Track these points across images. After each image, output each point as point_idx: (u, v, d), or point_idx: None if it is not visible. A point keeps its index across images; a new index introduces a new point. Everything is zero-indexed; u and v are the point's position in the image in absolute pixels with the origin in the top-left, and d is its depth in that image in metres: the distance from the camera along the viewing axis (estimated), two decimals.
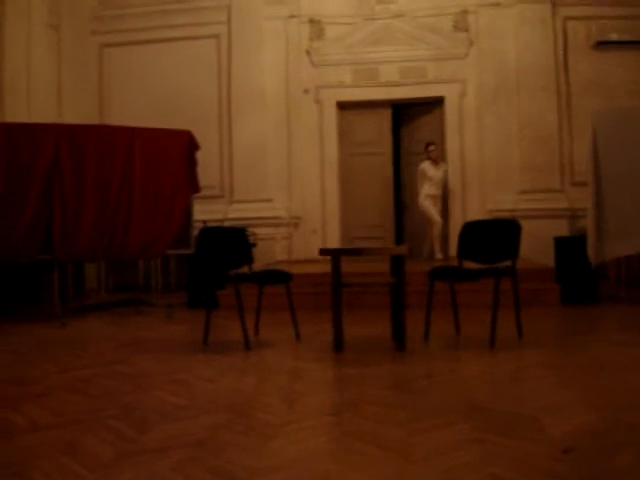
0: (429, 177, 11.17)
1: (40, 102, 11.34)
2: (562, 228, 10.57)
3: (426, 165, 11.23)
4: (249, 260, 6.74)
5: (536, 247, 9.56)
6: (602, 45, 11.11)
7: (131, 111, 11.60)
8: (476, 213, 11.15)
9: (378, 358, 5.49)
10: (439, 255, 11.02)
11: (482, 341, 5.86)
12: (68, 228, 8.33)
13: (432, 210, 11.22)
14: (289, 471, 2.89)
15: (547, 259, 9.32)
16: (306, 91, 12.24)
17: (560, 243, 8.99)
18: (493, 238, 6.11)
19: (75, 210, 8.41)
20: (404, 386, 4.57)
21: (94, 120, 11.72)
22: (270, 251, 11.42)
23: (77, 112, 11.84)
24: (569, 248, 8.81)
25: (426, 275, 6.36)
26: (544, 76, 11.21)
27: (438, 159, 11.37)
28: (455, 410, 3.77)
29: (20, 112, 10.68)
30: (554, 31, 11.24)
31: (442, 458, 2.97)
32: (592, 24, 11.22)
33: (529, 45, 11.25)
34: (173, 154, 9.16)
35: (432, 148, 11.24)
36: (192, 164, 9.33)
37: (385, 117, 12.32)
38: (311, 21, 12.18)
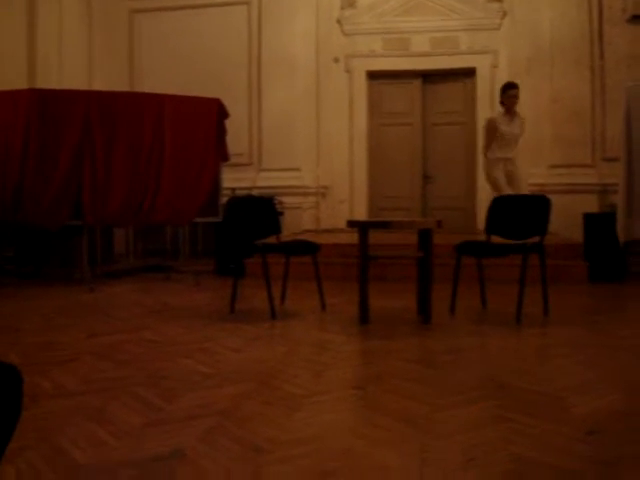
0: (500, 133, 8.51)
1: (71, 69, 11.38)
2: (592, 204, 10.46)
3: (498, 117, 8.67)
4: (277, 230, 6.77)
5: (565, 222, 9.49)
6: (638, 19, 10.90)
7: (161, 78, 11.60)
8: None
9: (403, 331, 5.51)
10: None
11: (508, 317, 5.86)
12: (98, 194, 8.39)
13: (503, 185, 8.52)
14: (313, 444, 2.91)
15: (576, 234, 9.26)
16: (336, 60, 12.16)
17: (589, 219, 8.92)
18: (522, 214, 6.07)
19: (105, 176, 8.45)
20: (429, 361, 4.58)
21: (124, 87, 11.73)
22: (297, 220, 11.43)
23: (107, 79, 11.87)
24: (598, 224, 8.74)
25: (453, 248, 6.35)
26: (578, 49, 11.03)
27: (515, 109, 8.63)
28: (480, 387, 3.77)
29: (51, 79, 10.73)
30: (589, 3, 11.02)
31: (466, 436, 2.98)
32: None
33: (564, 17, 11.06)
34: (202, 122, 9.16)
35: (513, 93, 8.48)
36: (221, 132, 9.32)
37: (415, 87, 12.22)
38: None
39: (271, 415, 3.33)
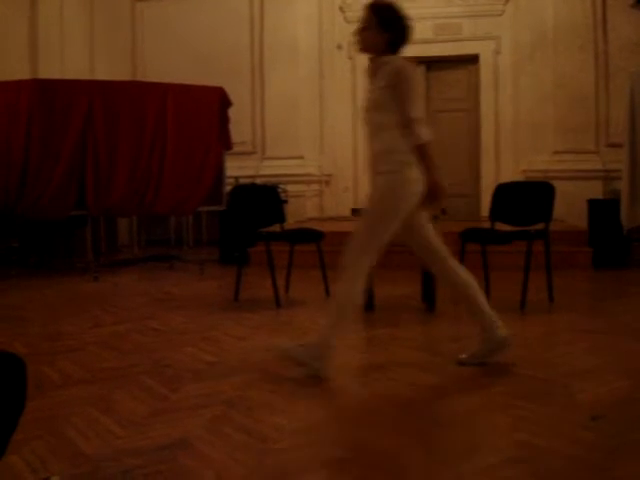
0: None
1: (73, 58, 11.35)
2: (596, 190, 10.42)
3: None
4: (281, 219, 6.77)
5: (569, 209, 9.47)
6: None
7: (164, 66, 11.56)
8: (509, 173, 11.03)
9: (408, 319, 5.51)
10: None
11: (513, 304, 5.84)
12: (101, 184, 8.38)
13: None
14: (318, 432, 2.92)
15: (580, 221, 9.24)
16: (339, 47, 12.12)
17: (593, 205, 8.89)
18: (526, 200, 6.06)
19: (108, 166, 8.44)
20: (433, 348, 4.59)
21: (127, 76, 11.71)
22: (301, 208, 11.41)
23: (110, 68, 11.84)
24: (602, 211, 8.71)
25: (457, 236, 6.34)
26: (581, 34, 10.97)
27: (382, 56, 4.11)
28: (484, 374, 3.78)
29: (53, 68, 10.70)
30: None
31: (470, 423, 2.99)
32: None
33: (567, 3, 10.98)
34: (205, 110, 9.13)
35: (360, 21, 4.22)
36: (224, 120, 9.30)
37: (418, 74, 12.13)
38: None
39: (277, 404, 3.34)
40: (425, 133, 3.91)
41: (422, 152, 3.88)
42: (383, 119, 3.97)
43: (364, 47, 4.18)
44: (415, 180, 3.87)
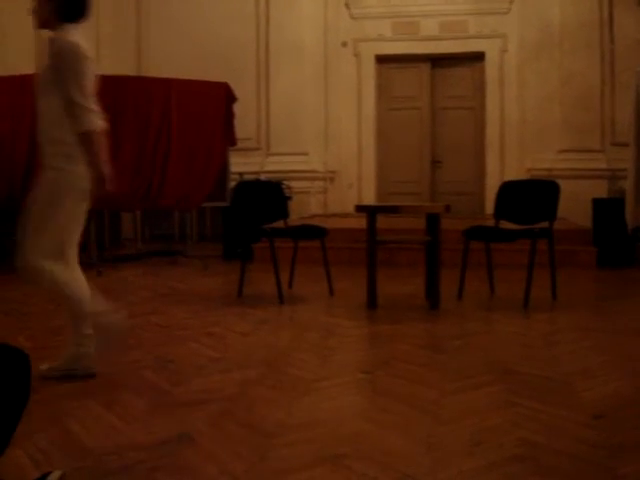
0: None
1: None
2: (601, 189, 10.41)
3: None
4: (284, 215, 6.75)
5: (574, 207, 9.44)
6: None
7: (169, 61, 11.54)
8: (514, 171, 11.02)
9: (411, 316, 5.50)
10: None
11: (516, 302, 5.84)
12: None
13: None
14: (321, 428, 2.92)
15: (584, 220, 9.22)
16: (344, 44, 12.10)
17: (598, 204, 8.88)
18: (531, 199, 6.05)
19: (112, 161, 8.39)
20: (437, 346, 4.58)
21: (132, 71, 11.70)
22: (305, 204, 11.40)
23: (115, 63, 11.82)
24: (607, 210, 8.70)
25: (461, 233, 6.33)
26: (588, 33, 10.94)
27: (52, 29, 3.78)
28: (487, 372, 3.77)
29: None
30: None
31: (473, 420, 2.98)
32: None
33: (573, 1, 10.94)
34: (210, 106, 9.13)
35: None
36: (229, 116, 9.29)
37: (424, 72, 12.14)
38: None
39: (279, 399, 3.34)
40: (92, 121, 3.63)
41: (86, 142, 3.60)
42: (50, 104, 3.63)
43: (37, 21, 3.75)
44: (82, 176, 3.68)
